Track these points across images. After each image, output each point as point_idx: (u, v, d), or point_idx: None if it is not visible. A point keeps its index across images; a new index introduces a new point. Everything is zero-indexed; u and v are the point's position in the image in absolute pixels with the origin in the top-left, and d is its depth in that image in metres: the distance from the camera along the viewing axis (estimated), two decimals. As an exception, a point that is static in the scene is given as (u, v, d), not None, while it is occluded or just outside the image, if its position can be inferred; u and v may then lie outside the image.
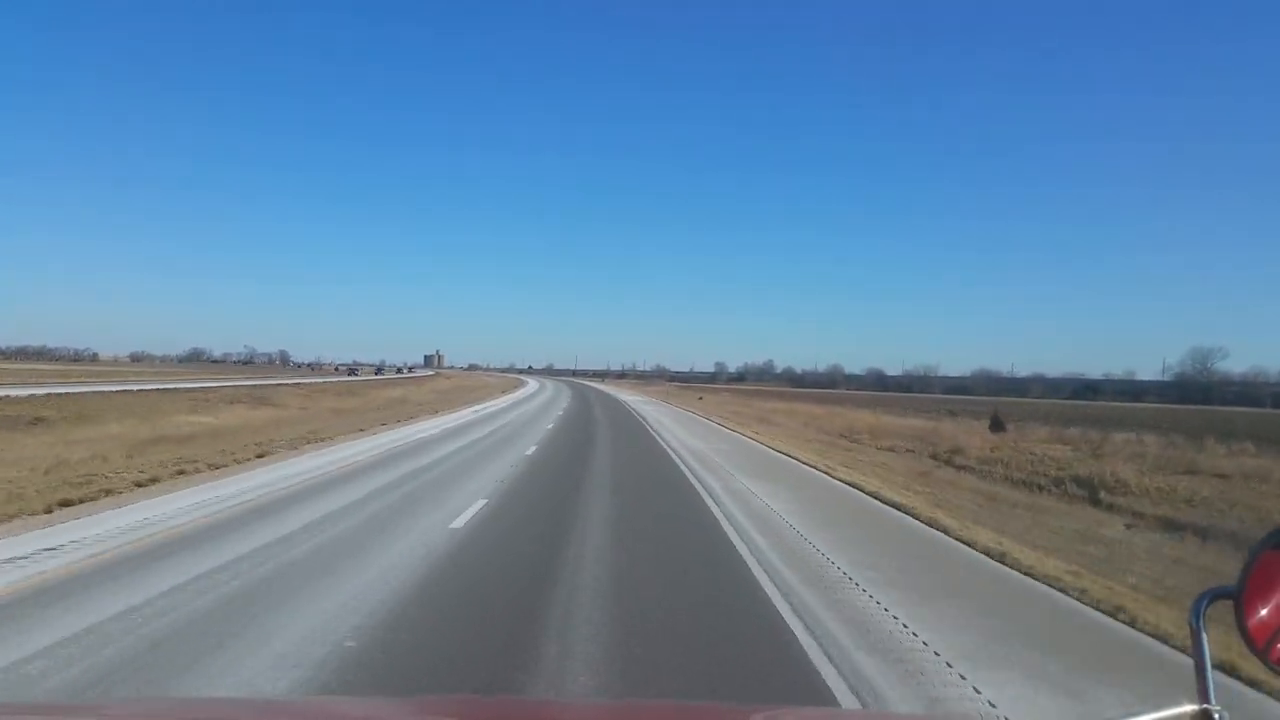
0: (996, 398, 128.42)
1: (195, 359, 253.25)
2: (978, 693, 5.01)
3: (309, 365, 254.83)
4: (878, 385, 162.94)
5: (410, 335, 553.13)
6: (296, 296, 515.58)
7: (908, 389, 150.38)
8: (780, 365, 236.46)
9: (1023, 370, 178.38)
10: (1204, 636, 1.18)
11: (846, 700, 4.79)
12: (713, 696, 4.73)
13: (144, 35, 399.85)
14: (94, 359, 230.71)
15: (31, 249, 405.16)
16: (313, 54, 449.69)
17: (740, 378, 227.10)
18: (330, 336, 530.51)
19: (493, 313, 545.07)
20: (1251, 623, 1.21)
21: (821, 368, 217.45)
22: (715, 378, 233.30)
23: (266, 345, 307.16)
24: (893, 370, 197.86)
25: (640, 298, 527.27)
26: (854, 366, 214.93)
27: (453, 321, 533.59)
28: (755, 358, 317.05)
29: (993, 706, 4.81)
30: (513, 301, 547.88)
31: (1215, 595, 1.21)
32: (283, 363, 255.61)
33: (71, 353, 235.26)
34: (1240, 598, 1.21)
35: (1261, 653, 1.21)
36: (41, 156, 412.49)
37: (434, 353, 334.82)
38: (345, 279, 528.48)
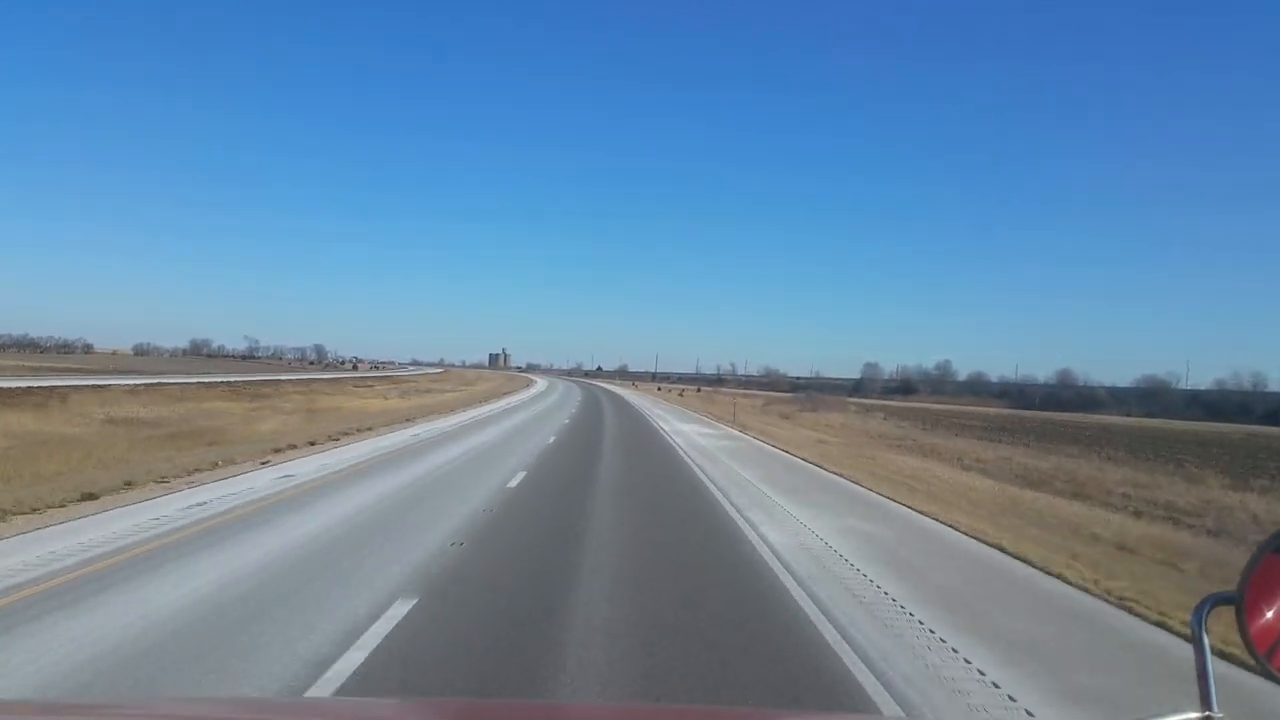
0: None
1: (196, 352, 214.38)
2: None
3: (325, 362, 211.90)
4: (1190, 407, 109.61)
5: (480, 334, 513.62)
6: (312, 291, 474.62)
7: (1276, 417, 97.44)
8: (963, 370, 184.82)
9: None
10: (1206, 642, 1.15)
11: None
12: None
13: (144, 10, 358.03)
14: (88, 351, 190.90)
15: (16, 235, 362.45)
16: (355, 41, 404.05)
17: (906, 388, 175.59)
18: (368, 333, 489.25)
19: (565, 310, 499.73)
20: (1254, 628, 1.15)
21: (1041, 376, 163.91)
22: (860, 386, 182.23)
23: (269, 339, 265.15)
24: (1181, 378, 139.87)
25: (742, 292, 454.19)
26: (1104, 375, 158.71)
27: (523, 320, 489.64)
28: (920, 359, 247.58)
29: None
30: (586, 296, 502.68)
31: (1217, 600, 1.17)
32: (318, 359, 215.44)
33: (60, 343, 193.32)
34: (1242, 602, 1.16)
35: (1263, 659, 1.16)
36: (36, 139, 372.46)
37: (500, 351, 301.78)
38: (404, 276, 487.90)
